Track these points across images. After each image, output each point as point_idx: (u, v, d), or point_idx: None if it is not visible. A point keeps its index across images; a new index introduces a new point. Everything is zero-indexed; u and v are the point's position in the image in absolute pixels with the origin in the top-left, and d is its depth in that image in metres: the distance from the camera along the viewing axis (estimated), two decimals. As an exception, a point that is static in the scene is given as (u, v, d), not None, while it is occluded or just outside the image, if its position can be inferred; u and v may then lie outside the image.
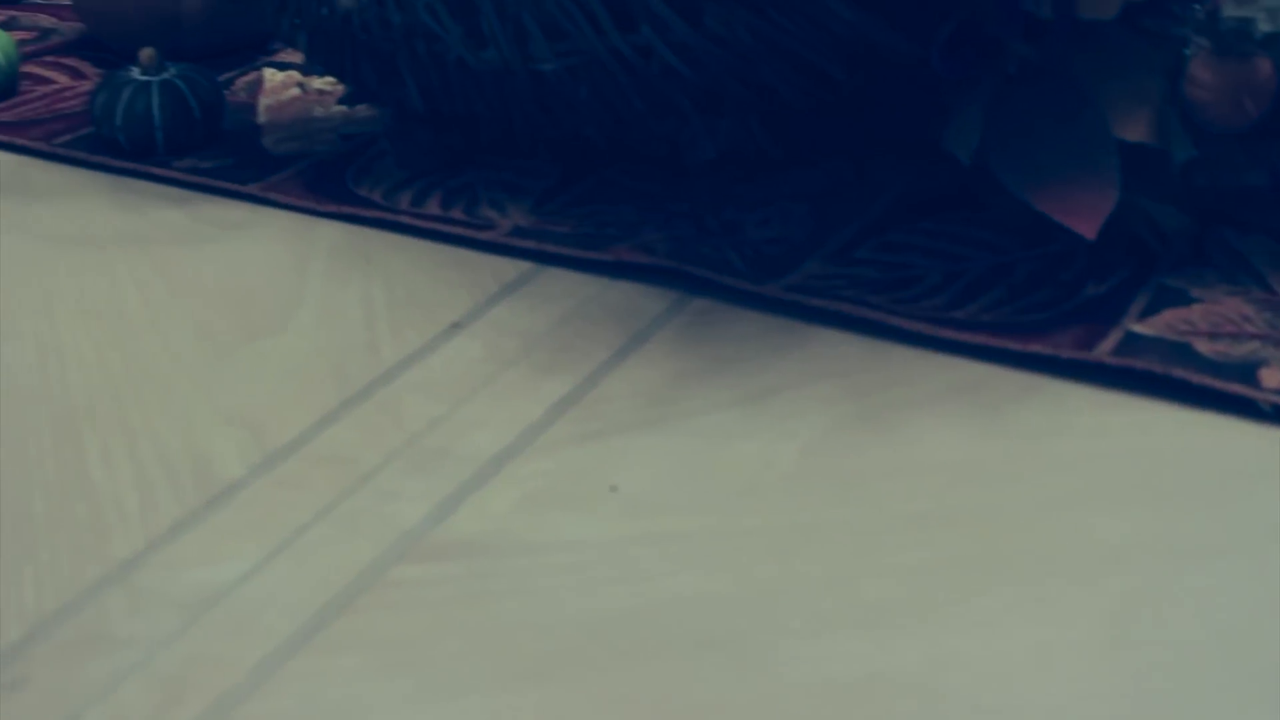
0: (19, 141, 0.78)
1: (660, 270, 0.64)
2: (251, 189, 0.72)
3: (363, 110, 0.80)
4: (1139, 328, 0.57)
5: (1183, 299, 0.59)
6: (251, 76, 0.86)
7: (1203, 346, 0.56)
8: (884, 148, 0.73)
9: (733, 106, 0.67)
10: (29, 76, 0.87)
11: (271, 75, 0.86)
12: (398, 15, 0.67)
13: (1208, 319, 0.58)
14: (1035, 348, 0.56)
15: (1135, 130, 0.58)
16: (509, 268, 0.65)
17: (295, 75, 0.86)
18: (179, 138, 0.75)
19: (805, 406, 0.55)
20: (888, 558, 0.47)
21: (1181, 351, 0.55)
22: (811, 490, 0.50)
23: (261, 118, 0.80)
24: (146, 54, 0.76)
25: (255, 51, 0.90)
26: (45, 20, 0.97)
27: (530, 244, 0.66)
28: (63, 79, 0.87)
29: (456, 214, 0.69)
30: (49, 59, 0.90)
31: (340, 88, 0.84)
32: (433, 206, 0.69)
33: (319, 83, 0.84)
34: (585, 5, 0.63)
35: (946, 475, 0.50)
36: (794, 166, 0.71)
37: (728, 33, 0.62)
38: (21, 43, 0.92)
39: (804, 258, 0.64)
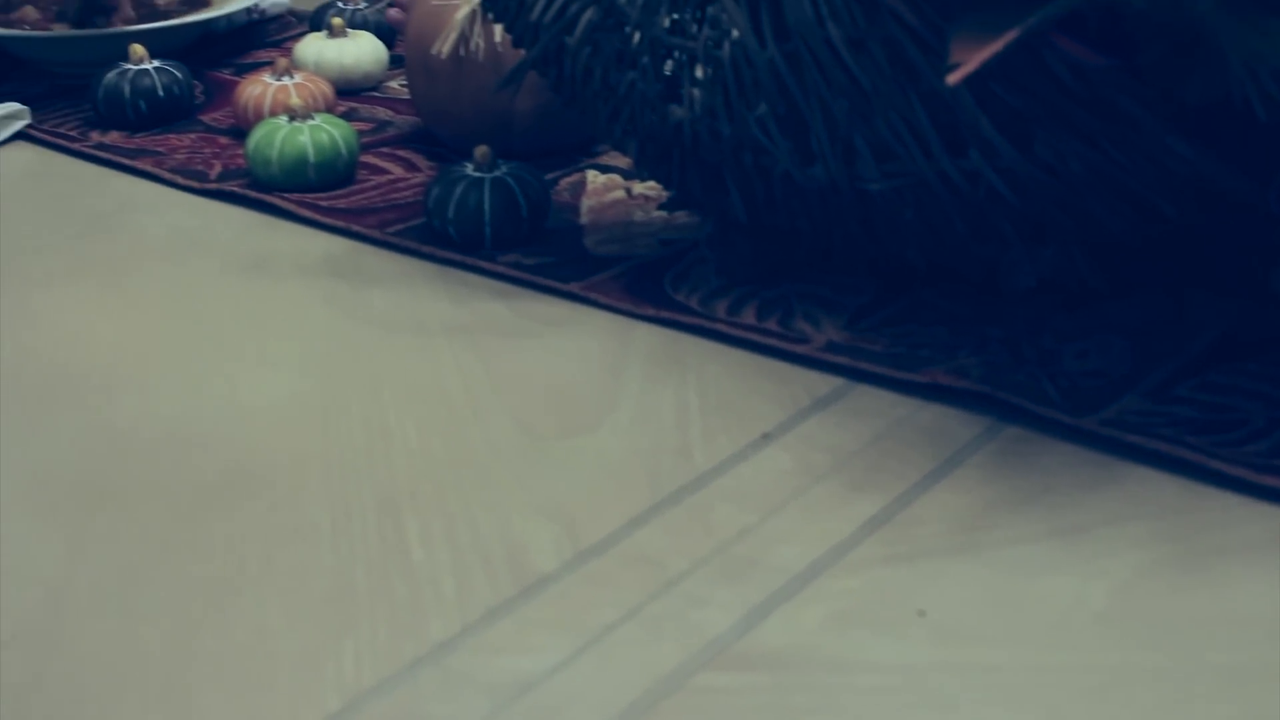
0: (355, 228, 0.82)
1: (974, 395, 0.63)
2: (573, 287, 0.74)
3: (682, 216, 0.82)
4: None
5: None
6: (575, 177, 0.89)
7: None
8: (1208, 284, 0.71)
9: (1056, 235, 0.67)
10: (366, 166, 0.91)
11: (594, 177, 0.89)
12: (728, 128, 0.68)
13: None
14: (1365, 503, 0.54)
15: None
16: (821, 382, 0.65)
17: (618, 178, 0.88)
18: (506, 233, 0.78)
19: (1118, 545, 0.54)
20: (1200, 710, 0.45)
21: None
22: (1122, 632, 0.49)
23: (584, 218, 0.83)
24: (481, 152, 0.79)
25: (579, 153, 0.93)
26: (383, 113, 1.02)
27: (843, 360, 0.66)
28: (397, 170, 0.91)
29: (771, 325, 0.69)
30: (385, 150, 0.94)
31: (661, 192, 0.85)
32: (748, 316, 0.70)
33: (641, 187, 0.86)
34: (916, 128, 0.63)
35: (1264, 629, 0.49)
36: (1114, 298, 0.70)
37: (1057, 162, 0.62)
38: (360, 133, 0.96)
39: (1121, 392, 0.63)
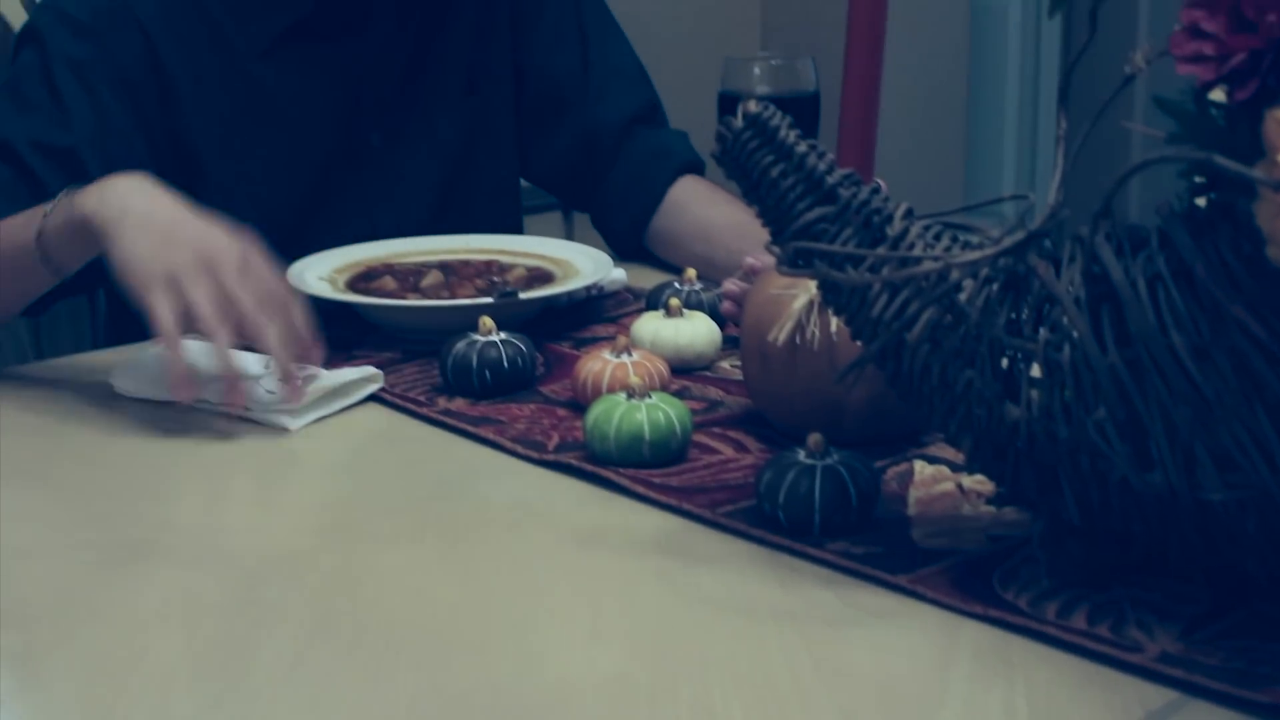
0: (686, 506, 0.84)
1: (1318, 719, 0.61)
2: (900, 580, 0.74)
3: (1011, 513, 0.82)
4: None
5: None
6: (903, 467, 0.89)
7: None
8: None
9: None
10: (698, 445, 0.94)
11: (922, 468, 0.89)
12: (1065, 430, 0.68)
13: None
14: None
15: None
16: (1155, 694, 0.64)
17: (945, 470, 0.88)
18: (835, 521, 0.79)
19: None
20: None
21: None
22: None
23: (911, 509, 0.83)
24: (815, 440, 0.80)
25: (907, 443, 0.93)
26: (714, 393, 1.05)
27: (1178, 672, 0.65)
28: (728, 451, 0.93)
29: (1103, 631, 0.68)
30: (717, 430, 0.97)
31: (989, 486, 0.85)
32: (1079, 620, 0.69)
33: (970, 480, 0.86)
34: (1261, 439, 0.63)
35: None
36: None
37: None
38: (692, 412, 0.99)
39: None
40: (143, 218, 1.02)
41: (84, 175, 1.20)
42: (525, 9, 1.42)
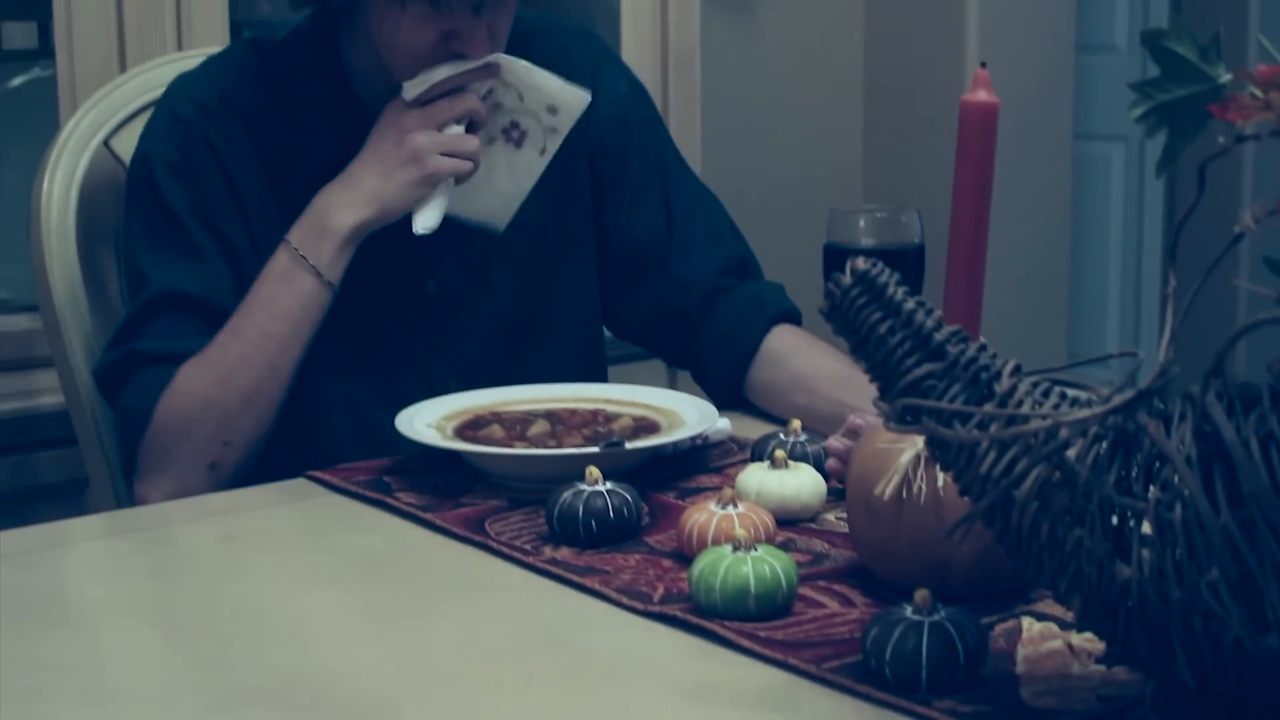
0: (791, 661, 0.84)
1: None
2: (1009, 739, 0.74)
3: (1121, 672, 0.81)
4: None
5: None
6: (1011, 624, 0.88)
7: None
8: None
9: None
10: (803, 598, 0.93)
11: (1030, 625, 0.88)
12: (1177, 590, 0.68)
13: None
14: None
15: None
16: None
17: (1054, 628, 0.88)
18: (942, 678, 0.79)
19: None
20: None
21: None
22: None
23: (1020, 667, 0.82)
24: (922, 595, 0.80)
25: (1015, 599, 0.92)
26: (819, 545, 1.04)
27: (1297, 841, 0.63)
28: (833, 605, 0.93)
29: (1218, 798, 0.67)
30: (822, 584, 0.96)
31: (1098, 645, 0.84)
32: (1192, 785, 0.68)
33: (1079, 638, 0.85)
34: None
35: None
36: None
37: None
38: (798, 565, 0.98)
39: None
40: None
41: (247, 282, 1.29)
42: (607, 169, 1.44)
